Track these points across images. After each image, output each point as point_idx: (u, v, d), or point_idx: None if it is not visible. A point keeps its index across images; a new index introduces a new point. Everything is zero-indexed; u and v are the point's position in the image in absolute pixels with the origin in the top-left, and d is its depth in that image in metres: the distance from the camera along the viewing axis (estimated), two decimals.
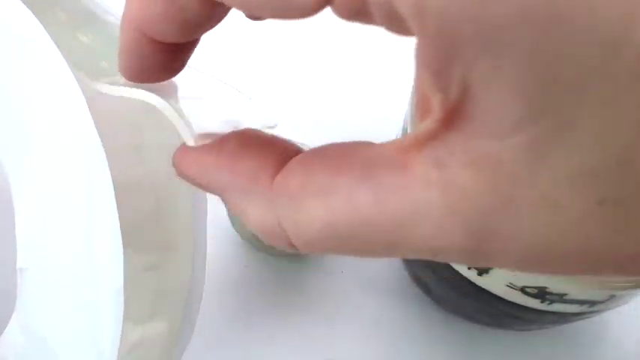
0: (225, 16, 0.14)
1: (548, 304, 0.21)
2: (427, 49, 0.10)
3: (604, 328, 0.31)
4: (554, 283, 0.20)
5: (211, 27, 0.14)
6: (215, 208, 0.32)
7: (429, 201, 0.11)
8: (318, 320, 0.31)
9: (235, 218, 0.30)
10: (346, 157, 0.13)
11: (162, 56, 0.15)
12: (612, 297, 0.21)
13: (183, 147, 0.15)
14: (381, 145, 0.13)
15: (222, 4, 0.12)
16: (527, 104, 0.09)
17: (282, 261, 0.32)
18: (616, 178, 0.10)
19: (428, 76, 0.10)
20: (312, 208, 0.12)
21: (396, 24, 0.10)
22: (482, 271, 0.21)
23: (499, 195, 0.11)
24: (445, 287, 0.25)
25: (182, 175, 0.15)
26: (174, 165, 0.15)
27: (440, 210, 0.11)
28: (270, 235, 0.13)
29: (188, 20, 0.13)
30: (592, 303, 0.21)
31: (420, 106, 0.12)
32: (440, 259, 0.12)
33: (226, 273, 0.32)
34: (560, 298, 0.21)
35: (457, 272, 0.23)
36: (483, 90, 0.10)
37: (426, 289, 0.28)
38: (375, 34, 0.16)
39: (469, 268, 0.22)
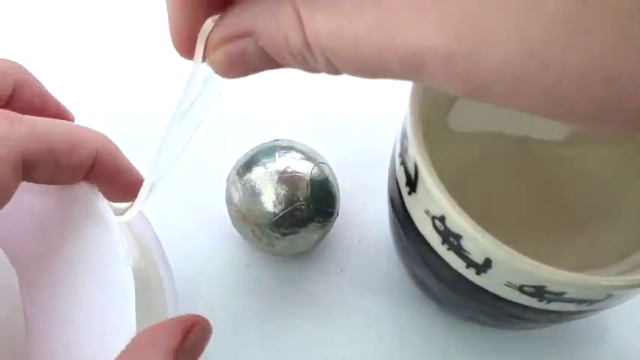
0: None
1: (547, 302, 0.21)
2: None
3: (603, 327, 0.31)
4: (552, 283, 0.20)
5: None
6: (216, 208, 0.32)
7: None
8: (317, 320, 0.31)
9: (235, 218, 0.30)
10: None
11: (203, 14, 0.16)
12: (610, 296, 0.21)
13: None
14: None
15: None
16: None
17: (283, 261, 0.32)
18: None
19: None
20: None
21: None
22: (480, 270, 0.21)
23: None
24: (444, 287, 0.25)
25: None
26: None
27: (428, 4, 0.11)
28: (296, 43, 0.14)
29: None
30: (590, 302, 0.21)
31: None
32: (416, 70, 0.12)
33: (226, 273, 0.32)
34: (559, 296, 0.21)
35: (456, 271, 0.23)
36: None
37: (425, 289, 0.28)
38: None
39: (467, 267, 0.22)
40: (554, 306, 0.22)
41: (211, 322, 0.31)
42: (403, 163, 0.23)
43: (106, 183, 0.20)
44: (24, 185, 0.18)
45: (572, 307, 0.22)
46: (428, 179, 0.21)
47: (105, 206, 0.20)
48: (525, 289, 0.21)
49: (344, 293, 0.32)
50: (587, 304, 0.21)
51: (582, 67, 0.10)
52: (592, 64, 0.10)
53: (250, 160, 0.30)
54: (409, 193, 0.23)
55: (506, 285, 0.21)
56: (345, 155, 0.34)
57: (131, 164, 0.21)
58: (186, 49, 0.16)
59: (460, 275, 0.23)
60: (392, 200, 0.26)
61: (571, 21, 0.10)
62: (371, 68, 0.13)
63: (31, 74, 0.21)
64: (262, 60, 0.15)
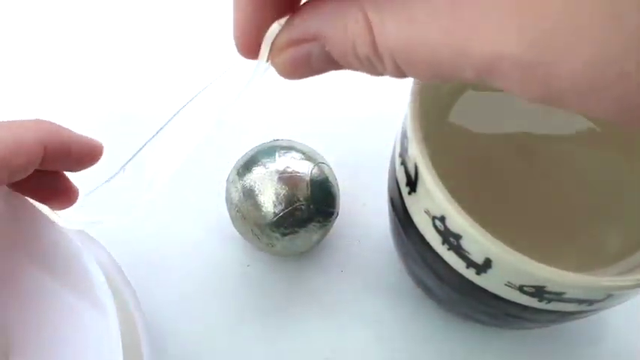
0: None
1: (547, 302, 0.21)
2: None
3: (603, 328, 0.31)
4: (552, 283, 0.20)
5: None
6: (216, 207, 0.32)
7: (497, 2, 0.12)
8: (317, 320, 0.31)
9: (236, 217, 0.30)
10: None
11: (269, 16, 0.16)
12: (610, 296, 0.21)
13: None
14: None
15: None
16: None
17: (283, 261, 0.32)
18: None
19: None
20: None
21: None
22: (480, 270, 0.21)
23: (557, 5, 0.11)
24: (444, 287, 0.25)
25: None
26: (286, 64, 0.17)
27: (504, 12, 0.12)
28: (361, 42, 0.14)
29: None
30: (590, 302, 0.21)
31: None
32: (490, 76, 0.13)
33: (227, 273, 0.32)
34: (559, 296, 0.21)
35: (456, 271, 0.23)
36: None
37: (425, 289, 0.28)
38: None
39: (467, 267, 0.22)
40: (554, 306, 0.22)
41: (211, 321, 0.31)
42: (403, 163, 0.23)
43: (63, 163, 0.22)
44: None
45: (572, 307, 0.22)
46: (428, 179, 0.21)
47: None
48: (525, 289, 0.21)
49: (344, 293, 0.32)
50: (587, 304, 0.21)
51: None
52: None
53: (250, 160, 0.30)
54: (409, 193, 0.23)
55: (506, 285, 0.21)
56: (345, 155, 0.34)
57: (79, 135, 0.23)
58: (249, 50, 0.17)
59: (460, 275, 0.23)
60: (392, 200, 0.26)
61: None
62: (442, 74, 0.14)
63: (58, 127, 0.22)
64: (326, 63, 0.16)
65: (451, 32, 0.13)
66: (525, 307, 0.22)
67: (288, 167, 0.29)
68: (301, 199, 0.28)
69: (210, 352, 0.30)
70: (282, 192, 0.28)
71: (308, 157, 0.30)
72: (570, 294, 0.20)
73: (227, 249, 0.33)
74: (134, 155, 0.21)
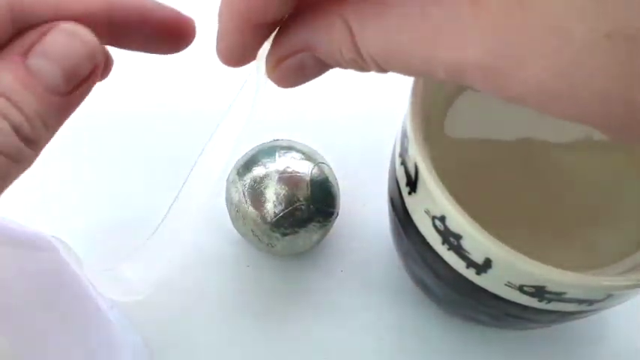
0: None
1: (547, 302, 0.21)
2: None
3: (603, 327, 0.31)
4: (552, 283, 0.20)
5: None
6: (216, 207, 0.32)
7: (460, 13, 0.13)
8: (317, 320, 0.31)
9: (236, 218, 0.30)
10: None
11: (258, 40, 0.17)
12: (610, 296, 0.21)
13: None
14: None
15: None
16: None
17: (283, 261, 0.32)
18: (626, 13, 0.11)
19: None
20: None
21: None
22: (480, 270, 0.21)
23: (513, 17, 0.12)
24: (444, 287, 0.25)
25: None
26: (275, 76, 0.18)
27: (467, 23, 0.13)
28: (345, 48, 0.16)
29: None
30: (590, 302, 0.21)
31: None
32: (460, 77, 0.14)
33: (227, 273, 0.32)
34: (559, 296, 0.21)
35: (456, 271, 0.23)
36: None
37: (425, 289, 0.28)
38: None
39: (467, 267, 0.22)
40: (554, 306, 0.22)
41: (211, 321, 0.31)
42: (403, 163, 0.23)
43: (136, 34, 0.18)
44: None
45: (572, 307, 0.22)
46: (428, 179, 0.21)
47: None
48: (525, 289, 0.21)
49: (344, 293, 0.32)
50: (587, 304, 0.21)
51: (606, 90, 0.12)
52: (615, 88, 0.12)
53: (250, 160, 0.30)
54: (409, 193, 0.23)
55: (506, 285, 0.21)
56: (345, 155, 0.34)
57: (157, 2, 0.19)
58: (236, 65, 0.18)
59: (460, 275, 0.23)
60: (392, 200, 0.26)
61: (596, 50, 0.12)
62: (417, 72, 0.15)
63: None
64: (319, 67, 0.18)
65: (421, 38, 0.14)
66: (525, 307, 0.22)
67: (288, 167, 0.29)
68: (301, 199, 0.28)
69: (210, 351, 0.30)
70: (282, 192, 0.28)
71: (308, 157, 0.30)
72: (570, 294, 0.20)
73: (227, 249, 0.32)
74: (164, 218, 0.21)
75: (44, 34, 0.16)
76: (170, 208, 0.21)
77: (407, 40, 0.14)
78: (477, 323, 0.28)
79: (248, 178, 0.29)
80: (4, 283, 0.23)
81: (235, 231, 0.31)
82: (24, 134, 0.15)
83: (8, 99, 0.15)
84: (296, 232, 0.29)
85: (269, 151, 0.30)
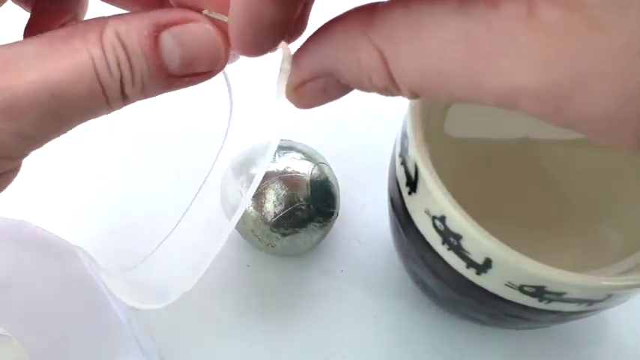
0: None
1: (547, 302, 0.21)
2: None
3: (603, 327, 0.31)
4: (552, 283, 0.20)
5: None
6: (212, 204, 0.32)
7: (514, 36, 0.12)
8: (317, 320, 0.31)
9: (232, 215, 0.30)
10: None
11: (280, 15, 0.15)
12: (610, 296, 0.21)
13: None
14: None
15: None
16: None
17: (283, 261, 0.32)
18: None
19: None
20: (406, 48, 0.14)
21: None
22: (480, 270, 0.21)
23: (578, 38, 0.11)
24: (444, 287, 0.25)
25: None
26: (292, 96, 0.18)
27: (522, 46, 0.12)
28: (376, 74, 0.15)
29: None
30: (590, 302, 0.21)
31: None
32: (511, 104, 0.13)
33: (227, 273, 0.32)
34: (559, 296, 0.21)
35: (456, 271, 0.23)
36: None
37: (425, 288, 0.28)
38: None
39: (467, 267, 0.22)
40: (555, 306, 0.22)
41: (210, 322, 0.31)
42: (403, 163, 0.23)
43: None
44: None
45: (572, 307, 0.22)
46: (428, 179, 0.21)
47: None
48: (525, 289, 0.21)
49: (344, 293, 0.32)
50: (587, 304, 0.21)
51: None
52: None
53: (249, 160, 0.30)
54: (409, 193, 0.23)
55: (506, 285, 0.21)
56: (345, 155, 0.34)
57: None
58: (254, 54, 0.17)
59: (460, 275, 0.23)
60: (392, 200, 0.26)
61: None
62: (458, 99, 0.14)
63: None
64: (342, 91, 0.17)
65: (467, 64, 0.13)
66: (525, 307, 0.22)
67: (288, 167, 0.29)
68: (301, 199, 0.28)
69: (210, 351, 0.30)
70: (282, 192, 0.28)
71: (308, 157, 0.30)
72: (570, 294, 0.21)
73: (227, 249, 0.32)
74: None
75: (191, 20, 0.17)
76: (183, 215, 0.21)
77: (449, 64, 0.13)
78: (477, 323, 0.28)
79: (245, 176, 0.29)
80: (28, 290, 0.24)
81: (235, 231, 0.31)
82: (125, 88, 0.16)
83: (127, 55, 0.16)
84: (296, 232, 0.29)
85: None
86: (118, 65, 0.16)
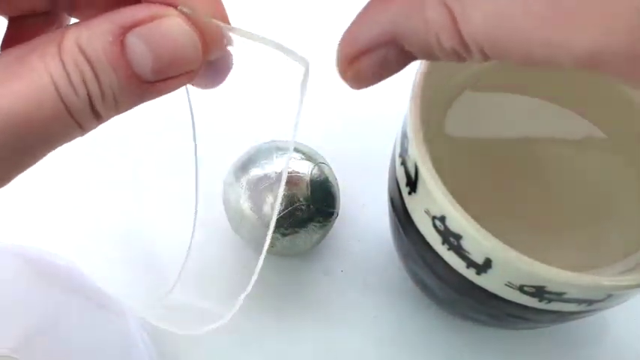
0: None
1: (547, 302, 0.21)
2: None
3: (603, 327, 0.31)
4: (552, 283, 0.20)
5: None
6: (214, 208, 0.32)
7: None
8: (317, 320, 0.31)
9: (234, 218, 0.30)
10: None
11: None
12: (610, 296, 0.21)
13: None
14: None
15: None
16: None
17: (283, 261, 0.32)
18: None
19: None
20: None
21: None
22: (480, 270, 0.21)
23: None
24: (444, 287, 0.25)
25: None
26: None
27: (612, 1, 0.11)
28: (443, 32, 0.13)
29: None
30: (590, 302, 0.21)
31: None
32: (595, 65, 0.12)
33: (226, 273, 0.32)
34: (559, 296, 0.21)
35: (456, 271, 0.23)
36: None
37: (425, 289, 0.28)
38: None
39: (468, 267, 0.22)
40: (555, 306, 0.22)
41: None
42: (403, 163, 0.23)
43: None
44: None
45: (572, 307, 0.22)
46: (428, 179, 0.21)
47: None
48: (525, 289, 0.21)
49: (344, 293, 0.32)
50: (587, 304, 0.21)
51: None
52: None
53: (249, 160, 0.30)
54: (409, 193, 0.23)
55: (506, 285, 0.21)
56: (345, 155, 0.34)
57: None
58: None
59: (460, 275, 0.23)
60: (392, 200, 0.26)
61: None
62: (536, 61, 0.13)
63: None
64: (403, 63, 0.15)
65: (547, 22, 0.12)
66: (525, 307, 0.22)
67: (288, 167, 0.29)
68: (301, 199, 0.28)
69: (210, 351, 0.30)
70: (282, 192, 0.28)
71: (308, 157, 0.30)
72: (570, 294, 0.21)
73: (226, 250, 0.32)
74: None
75: (157, 17, 0.14)
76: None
77: (526, 21, 0.12)
78: (477, 323, 0.28)
79: (246, 179, 0.29)
80: (71, 335, 0.24)
81: (234, 232, 0.31)
82: (94, 105, 0.14)
83: (92, 68, 0.14)
84: (296, 232, 0.29)
85: (268, 151, 0.30)
86: (83, 81, 0.14)
